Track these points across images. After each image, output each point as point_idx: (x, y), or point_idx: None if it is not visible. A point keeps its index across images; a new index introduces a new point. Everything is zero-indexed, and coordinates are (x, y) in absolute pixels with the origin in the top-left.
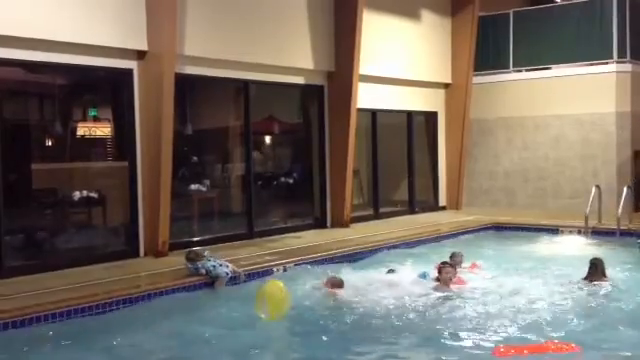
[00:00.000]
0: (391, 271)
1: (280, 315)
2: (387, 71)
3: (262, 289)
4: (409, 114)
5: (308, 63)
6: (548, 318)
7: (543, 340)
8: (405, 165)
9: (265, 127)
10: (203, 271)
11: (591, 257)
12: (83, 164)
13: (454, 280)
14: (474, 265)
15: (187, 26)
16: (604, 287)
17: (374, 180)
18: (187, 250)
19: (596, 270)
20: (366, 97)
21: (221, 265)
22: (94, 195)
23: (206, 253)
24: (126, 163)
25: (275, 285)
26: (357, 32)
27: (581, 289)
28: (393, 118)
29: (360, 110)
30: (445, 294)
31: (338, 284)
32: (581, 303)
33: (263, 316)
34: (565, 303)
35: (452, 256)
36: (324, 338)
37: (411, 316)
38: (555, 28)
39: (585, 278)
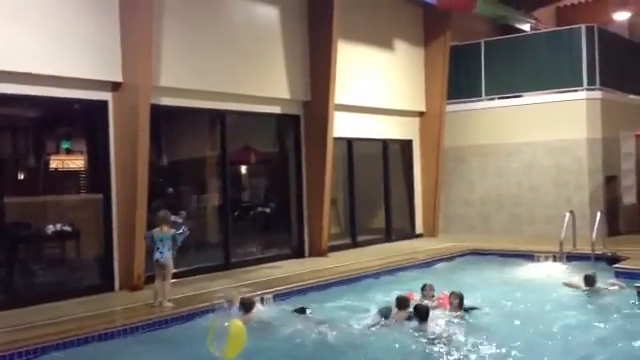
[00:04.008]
0: (301, 310)
1: (236, 354)
2: (362, 100)
3: (214, 325)
4: (385, 142)
5: (284, 93)
6: (527, 344)
7: None
8: (381, 193)
9: (241, 157)
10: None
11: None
12: (56, 197)
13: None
14: (445, 297)
15: (163, 57)
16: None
17: (351, 209)
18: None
19: (590, 282)
20: (342, 126)
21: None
22: (68, 228)
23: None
24: (101, 195)
25: (236, 325)
26: (332, 62)
27: (559, 314)
28: (369, 147)
29: (336, 139)
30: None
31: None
32: (560, 329)
33: (217, 354)
34: (544, 328)
35: (423, 288)
36: None
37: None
38: (525, 57)
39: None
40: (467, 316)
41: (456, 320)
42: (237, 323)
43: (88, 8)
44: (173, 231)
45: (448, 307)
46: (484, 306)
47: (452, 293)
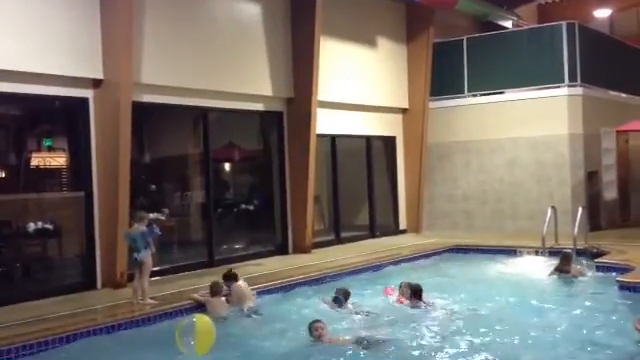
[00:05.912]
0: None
1: (206, 350)
2: (346, 97)
3: (181, 323)
4: (368, 139)
5: (267, 90)
6: (509, 340)
7: None
8: (365, 190)
9: (225, 154)
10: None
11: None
12: (38, 195)
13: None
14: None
15: (144, 54)
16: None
17: (335, 205)
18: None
19: (567, 261)
20: (325, 123)
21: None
22: (49, 226)
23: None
24: (82, 193)
25: (203, 320)
26: (315, 58)
27: (539, 307)
28: (352, 143)
29: (319, 136)
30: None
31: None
32: (543, 325)
33: (185, 351)
34: (528, 324)
35: (400, 287)
36: None
37: None
38: (508, 54)
39: (556, 269)
40: (428, 308)
41: (412, 311)
42: (204, 319)
43: (68, 5)
44: (142, 229)
45: (402, 299)
46: (465, 300)
47: (404, 284)
